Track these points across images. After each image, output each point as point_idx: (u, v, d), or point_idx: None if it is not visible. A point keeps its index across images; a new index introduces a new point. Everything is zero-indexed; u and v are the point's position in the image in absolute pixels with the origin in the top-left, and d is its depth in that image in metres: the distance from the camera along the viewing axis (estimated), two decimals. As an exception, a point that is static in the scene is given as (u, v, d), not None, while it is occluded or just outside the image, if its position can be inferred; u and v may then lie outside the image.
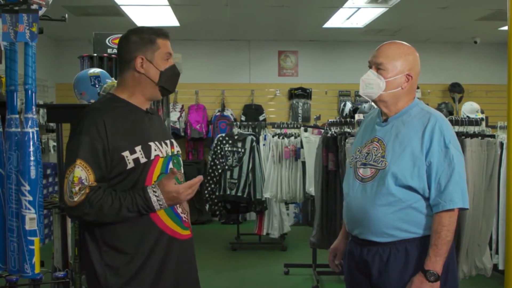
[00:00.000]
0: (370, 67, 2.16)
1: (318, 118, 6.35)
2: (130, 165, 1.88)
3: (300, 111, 8.16)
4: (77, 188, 1.81)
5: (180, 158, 2.11)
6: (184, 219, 2.01)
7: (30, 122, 2.25)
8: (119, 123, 1.91)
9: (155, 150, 1.95)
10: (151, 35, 1.97)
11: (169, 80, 2.02)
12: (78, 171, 1.82)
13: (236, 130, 6.17)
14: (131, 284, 1.90)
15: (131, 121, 1.96)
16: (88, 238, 1.93)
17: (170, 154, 2.01)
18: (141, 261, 1.91)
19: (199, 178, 1.90)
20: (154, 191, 1.86)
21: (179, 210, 2.00)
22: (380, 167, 2.08)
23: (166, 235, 1.95)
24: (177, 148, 2.10)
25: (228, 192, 5.91)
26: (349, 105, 7.64)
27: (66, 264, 3.03)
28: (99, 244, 1.91)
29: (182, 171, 2.10)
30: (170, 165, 2.00)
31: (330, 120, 4.75)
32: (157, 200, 1.86)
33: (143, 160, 1.91)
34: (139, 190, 1.87)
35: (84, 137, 1.85)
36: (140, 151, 1.91)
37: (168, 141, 2.05)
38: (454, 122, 3.72)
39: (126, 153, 1.88)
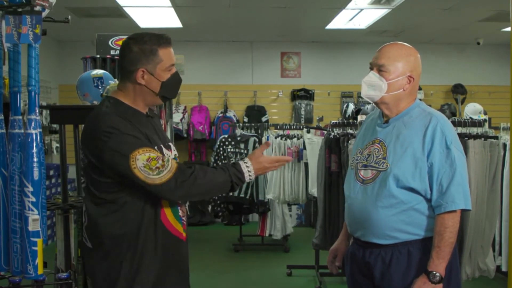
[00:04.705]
0: (371, 68, 2.14)
1: (321, 119, 6.35)
2: None
3: (302, 112, 8.16)
4: (160, 161, 1.82)
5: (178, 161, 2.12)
6: (183, 221, 2.04)
7: (33, 123, 2.25)
8: (136, 126, 1.90)
9: (166, 154, 1.96)
10: (153, 46, 1.91)
11: (169, 89, 1.99)
12: (146, 153, 1.82)
13: (238, 131, 6.17)
14: (137, 280, 1.91)
15: (142, 125, 1.95)
16: (97, 243, 1.94)
17: (171, 157, 2.02)
18: (153, 260, 1.93)
19: (289, 158, 2.07)
20: (245, 162, 1.94)
21: (180, 213, 2.02)
22: (382, 169, 2.07)
23: (174, 237, 1.98)
24: (174, 152, 2.09)
25: (231, 193, 5.90)
26: (351, 106, 7.62)
27: (69, 265, 3.03)
28: (110, 253, 1.91)
29: None
30: None
31: (332, 121, 4.75)
32: (247, 170, 1.93)
33: None
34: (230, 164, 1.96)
35: (125, 133, 1.84)
36: None
37: (168, 144, 2.05)
38: (457, 123, 3.71)
39: None
